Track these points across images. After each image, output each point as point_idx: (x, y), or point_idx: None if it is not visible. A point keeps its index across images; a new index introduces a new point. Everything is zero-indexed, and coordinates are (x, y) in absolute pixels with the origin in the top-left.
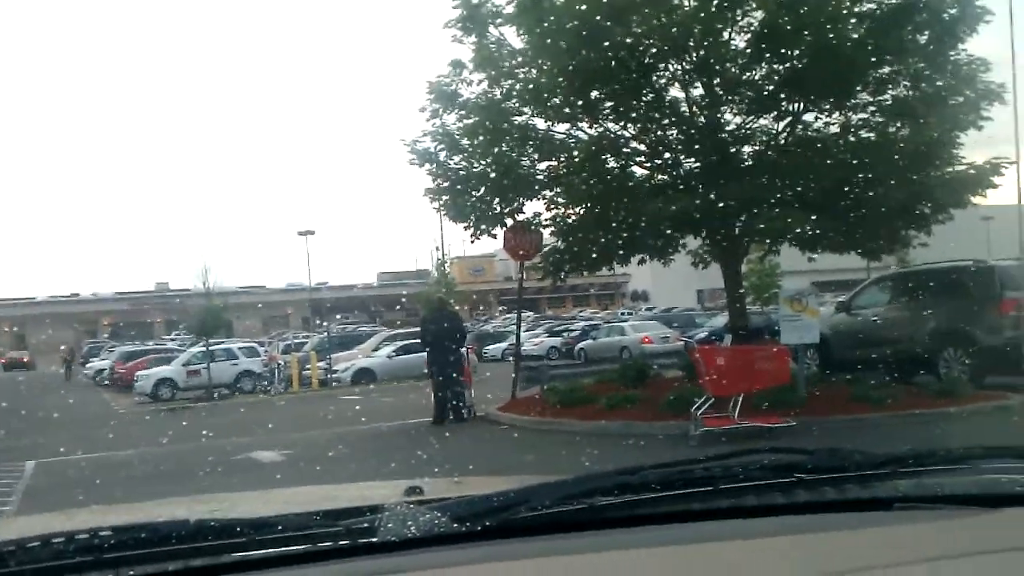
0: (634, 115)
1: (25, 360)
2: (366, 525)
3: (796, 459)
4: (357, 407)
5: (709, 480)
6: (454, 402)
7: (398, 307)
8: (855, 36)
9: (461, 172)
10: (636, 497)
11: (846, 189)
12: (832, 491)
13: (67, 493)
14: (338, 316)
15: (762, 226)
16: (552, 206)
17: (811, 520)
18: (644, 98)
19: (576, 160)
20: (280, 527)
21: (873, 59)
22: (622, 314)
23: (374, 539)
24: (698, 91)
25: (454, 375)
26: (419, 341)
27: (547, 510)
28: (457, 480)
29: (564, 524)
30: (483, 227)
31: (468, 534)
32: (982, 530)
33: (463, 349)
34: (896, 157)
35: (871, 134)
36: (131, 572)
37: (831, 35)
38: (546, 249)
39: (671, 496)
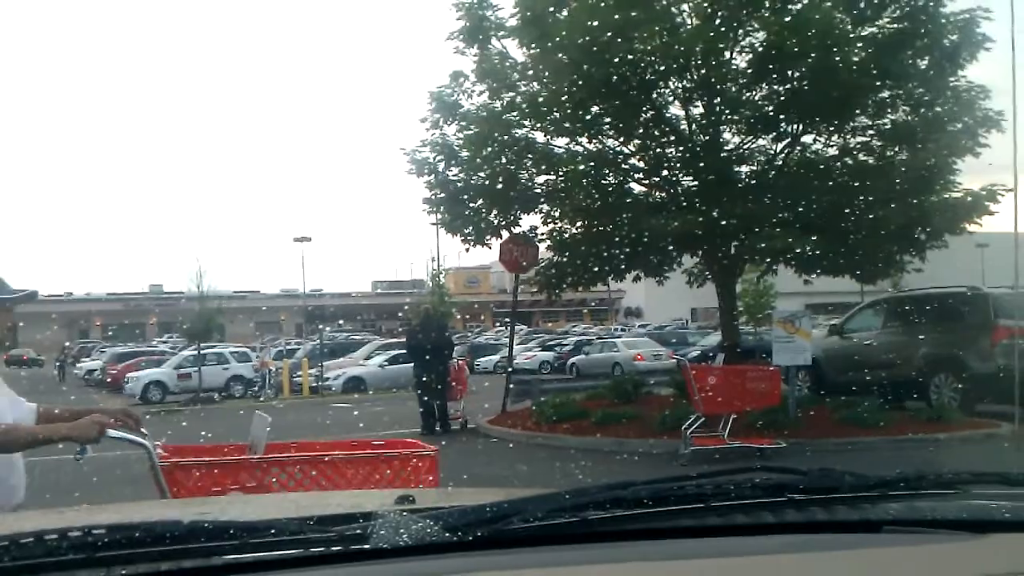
0: (634, 132)
1: (25, 358)
2: (359, 532)
3: (788, 479)
4: (347, 416)
5: (700, 497)
6: (439, 413)
7: (390, 316)
8: (856, 60)
9: (459, 183)
10: (627, 512)
11: (843, 211)
12: (822, 512)
13: (54, 493)
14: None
15: (759, 246)
16: (549, 220)
17: (801, 540)
18: (644, 115)
19: (574, 175)
20: (273, 531)
21: (874, 83)
22: (615, 330)
23: (366, 546)
24: (698, 109)
25: (439, 386)
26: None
27: (539, 522)
28: (448, 490)
29: (556, 536)
30: (478, 238)
31: (460, 543)
32: (969, 555)
33: (450, 360)
34: (894, 181)
35: (869, 157)
36: (123, 571)
37: (833, 58)
38: (542, 263)
39: (662, 512)
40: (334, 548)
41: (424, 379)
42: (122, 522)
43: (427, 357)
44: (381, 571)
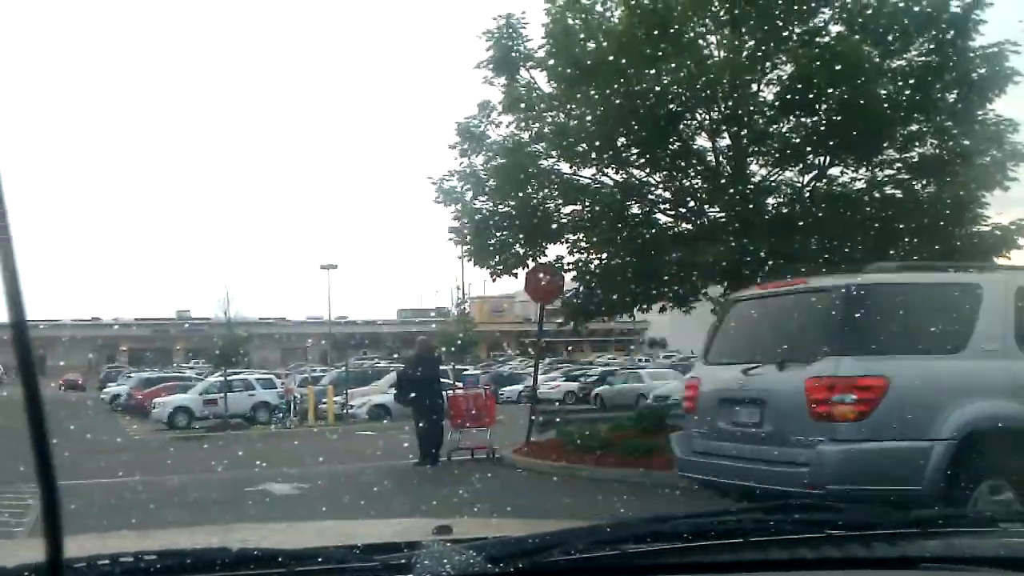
0: (660, 163)
1: (80, 382)
2: (403, 561)
3: (827, 515)
4: (372, 443)
5: (740, 532)
6: (430, 444)
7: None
8: (884, 93)
9: (485, 213)
10: (667, 546)
11: (870, 244)
12: (861, 548)
13: (82, 517)
14: (364, 351)
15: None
16: (575, 250)
17: None
18: (671, 146)
19: (601, 205)
20: (320, 559)
21: (901, 116)
22: (640, 361)
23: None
24: (725, 141)
25: (434, 417)
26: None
27: (580, 554)
28: (485, 521)
29: (595, 569)
30: (504, 269)
31: (501, 574)
32: None
33: (441, 392)
34: (921, 215)
35: (897, 191)
36: None
37: (860, 91)
38: (567, 293)
39: (702, 546)
40: None
41: (418, 411)
42: (173, 548)
43: (422, 389)
44: None
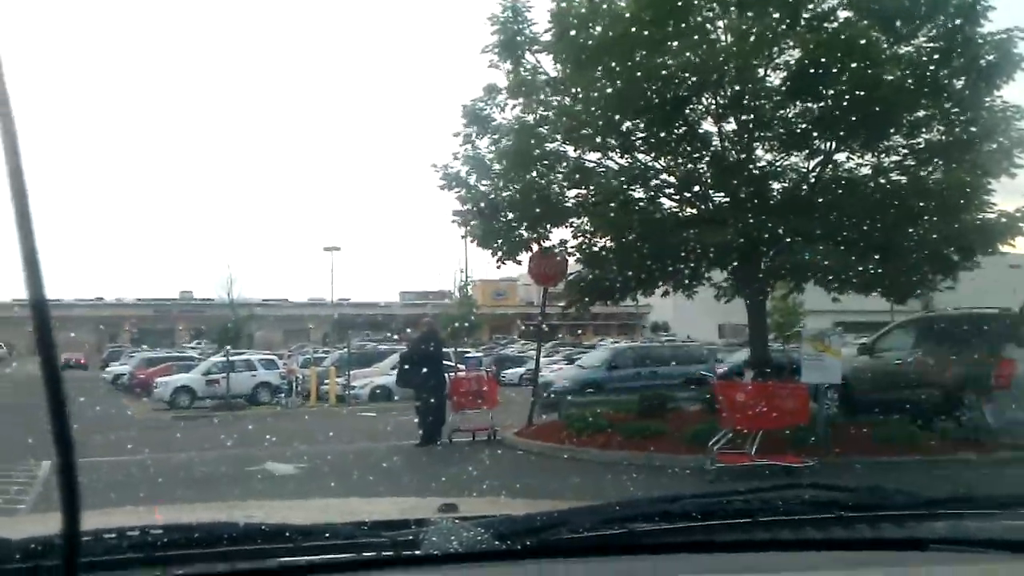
0: (666, 147)
1: (83, 361)
2: (410, 537)
3: (836, 496)
4: (374, 424)
5: (748, 512)
6: (432, 425)
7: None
8: (891, 78)
9: (490, 196)
10: (675, 525)
11: (875, 230)
12: (869, 529)
13: (85, 494)
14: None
15: (790, 263)
16: (579, 234)
17: (848, 557)
18: (676, 131)
19: (605, 189)
20: (327, 534)
21: (909, 102)
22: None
23: (418, 552)
24: (731, 126)
25: (435, 399)
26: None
27: (588, 532)
28: (490, 499)
29: (603, 547)
30: (508, 252)
31: (509, 552)
32: (1015, 574)
33: (444, 373)
34: (927, 201)
35: (903, 176)
36: (179, 571)
37: (868, 76)
38: (571, 277)
39: (709, 526)
40: (386, 553)
41: (421, 391)
42: (179, 522)
43: (425, 369)
44: None
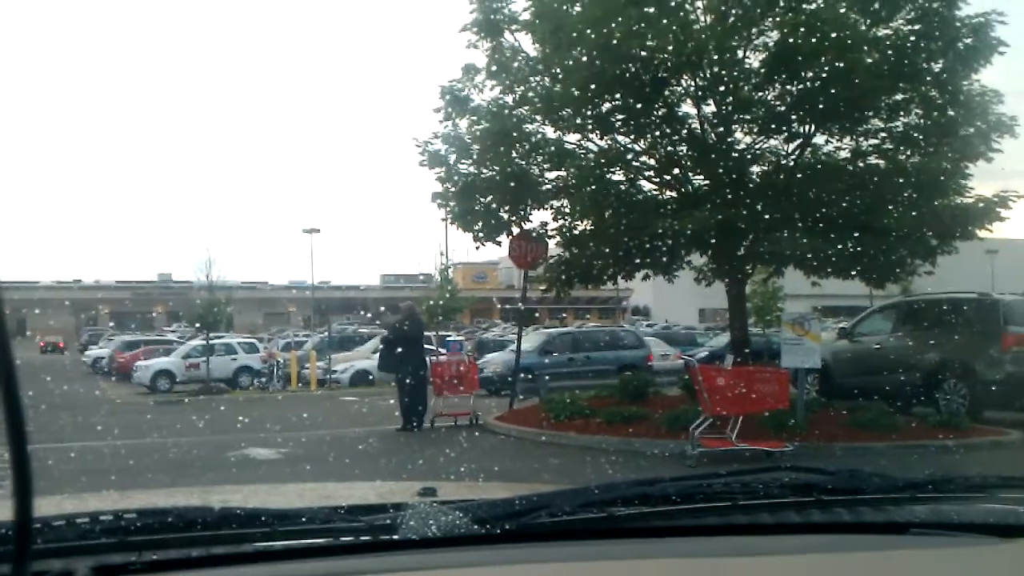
0: (645, 129)
1: (61, 344)
2: (388, 522)
3: (815, 479)
4: (354, 408)
5: (728, 495)
6: (417, 409)
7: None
8: (870, 61)
9: (469, 178)
10: (654, 509)
11: (854, 214)
12: (848, 513)
13: (63, 480)
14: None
15: (769, 247)
16: (559, 216)
17: (827, 540)
18: (656, 112)
19: (585, 171)
20: (304, 519)
21: (887, 85)
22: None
23: (395, 536)
24: (710, 108)
25: (416, 383)
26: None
27: (566, 516)
28: (470, 484)
29: (582, 531)
30: (488, 234)
31: (488, 536)
32: (995, 558)
33: (425, 357)
34: (905, 185)
35: (881, 160)
36: (154, 556)
37: (846, 59)
38: (551, 260)
39: (689, 509)
40: (363, 538)
41: (402, 375)
42: (153, 507)
43: (405, 353)
44: (409, 561)
